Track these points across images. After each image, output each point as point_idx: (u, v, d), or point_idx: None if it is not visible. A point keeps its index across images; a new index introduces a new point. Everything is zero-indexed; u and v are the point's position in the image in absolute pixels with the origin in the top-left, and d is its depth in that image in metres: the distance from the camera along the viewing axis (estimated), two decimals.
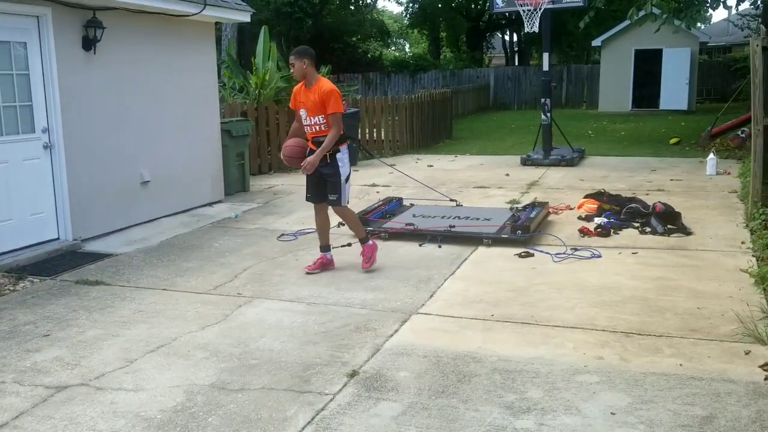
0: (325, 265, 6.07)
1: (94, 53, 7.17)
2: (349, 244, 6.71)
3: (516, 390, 3.70)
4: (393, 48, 48.15)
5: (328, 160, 5.74)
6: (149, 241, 7.27)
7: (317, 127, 5.72)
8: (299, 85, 5.80)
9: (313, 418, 3.47)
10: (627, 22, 22.66)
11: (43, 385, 3.93)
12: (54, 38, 6.71)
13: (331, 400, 3.67)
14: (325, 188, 5.85)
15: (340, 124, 5.70)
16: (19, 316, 5.08)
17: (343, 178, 5.81)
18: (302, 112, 5.75)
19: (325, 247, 6.11)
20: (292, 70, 5.71)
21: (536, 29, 11.63)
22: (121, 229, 7.68)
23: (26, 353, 4.38)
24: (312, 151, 5.75)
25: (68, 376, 4.04)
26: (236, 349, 4.37)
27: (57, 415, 3.58)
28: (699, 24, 27.72)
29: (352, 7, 35.48)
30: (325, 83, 5.68)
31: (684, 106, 22.11)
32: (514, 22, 34.21)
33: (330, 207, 5.97)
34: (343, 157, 5.81)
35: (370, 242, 6.09)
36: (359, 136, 13.52)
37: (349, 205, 6.04)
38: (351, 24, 32.73)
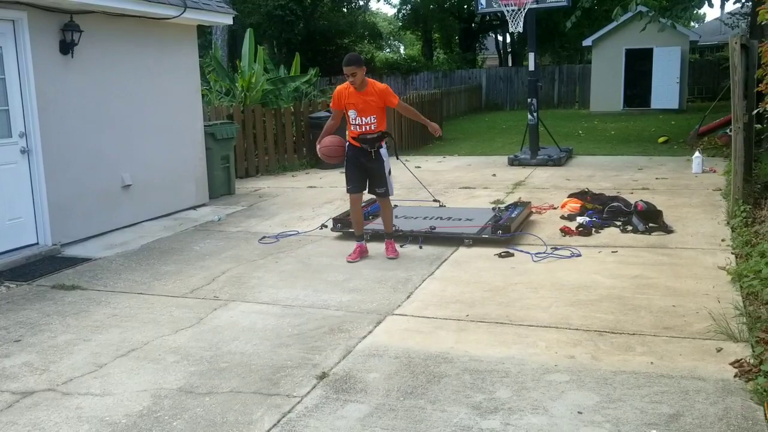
0: (363, 253, 6.47)
1: (72, 57, 7.15)
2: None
3: (485, 390, 3.68)
4: (387, 50, 48.12)
5: (374, 157, 6.18)
6: (130, 245, 7.23)
7: (368, 127, 6.11)
8: (344, 86, 6.13)
9: (278, 421, 3.45)
10: (617, 23, 22.76)
11: (9, 390, 3.90)
12: (30, 42, 6.69)
13: (298, 402, 3.64)
14: (368, 180, 6.30)
15: (406, 106, 6.49)
16: None
17: (386, 171, 6.24)
18: (351, 113, 6.11)
19: (360, 237, 6.56)
20: (351, 79, 5.95)
21: (520, 29, 11.63)
22: (102, 234, 7.65)
23: None
24: (351, 146, 6.25)
25: (36, 381, 4.01)
26: (207, 353, 4.34)
27: (21, 420, 3.55)
28: (692, 23, 27.81)
29: (345, 10, 35.49)
30: (377, 83, 6.14)
31: (675, 105, 22.12)
32: (506, 23, 34.28)
33: (378, 198, 6.45)
34: (385, 152, 6.25)
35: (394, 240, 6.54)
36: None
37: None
38: (343, 26, 32.71)
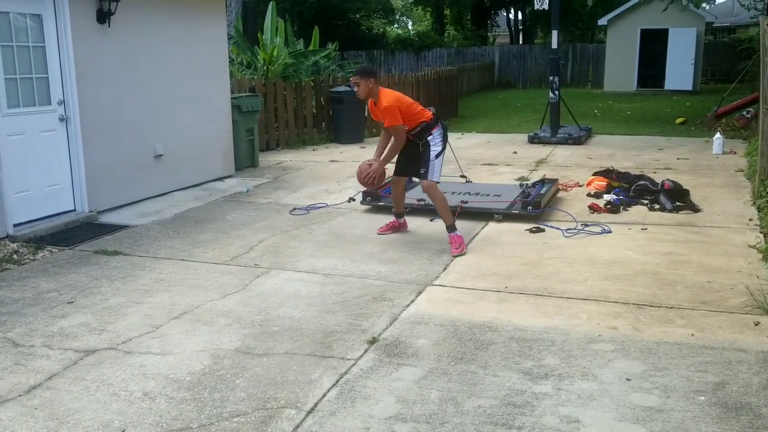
0: (396, 228, 6.50)
1: (108, 26, 7.21)
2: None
3: (533, 357, 3.81)
4: (396, 26, 47.83)
5: (421, 149, 6.01)
6: (164, 214, 7.36)
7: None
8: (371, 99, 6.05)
9: (337, 381, 3.59)
10: (634, 1, 22.64)
11: (72, 348, 4.04)
12: (69, 11, 6.75)
13: (353, 364, 3.78)
14: (413, 163, 6.10)
15: (400, 135, 5.93)
16: (41, 283, 5.19)
17: (433, 155, 5.97)
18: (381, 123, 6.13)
19: (399, 214, 6.53)
20: (356, 89, 5.93)
21: (546, 6, 11.62)
22: (135, 202, 7.76)
23: (52, 319, 4.49)
24: (408, 140, 6.07)
25: (96, 340, 4.15)
26: (257, 317, 4.48)
27: (88, 376, 3.69)
28: (704, 4, 27.61)
29: None
30: (385, 99, 5.87)
31: (689, 87, 22.07)
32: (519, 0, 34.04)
33: (421, 181, 6.08)
34: (435, 139, 6.00)
35: (458, 232, 5.95)
36: (366, 113, 13.56)
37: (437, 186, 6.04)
38: (355, 1, 32.50)
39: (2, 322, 4.45)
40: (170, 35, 8.19)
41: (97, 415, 3.29)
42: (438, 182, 6.00)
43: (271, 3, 13.68)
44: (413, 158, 6.09)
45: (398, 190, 6.43)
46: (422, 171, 5.99)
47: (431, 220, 6.83)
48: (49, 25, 6.66)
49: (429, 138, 6.00)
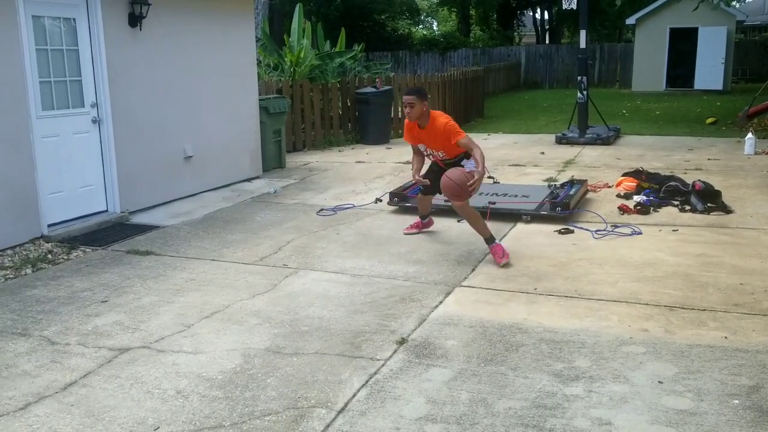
0: (421, 227, 6.54)
1: (140, 29, 7.32)
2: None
3: (563, 359, 3.79)
4: (421, 26, 47.81)
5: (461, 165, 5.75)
6: (193, 215, 7.44)
7: (439, 156, 5.91)
8: (412, 123, 5.80)
9: (367, 381, 3.60)
10: (663, 0, 22.37)
11: (107, 347, 4.11)
12: (102, 14, 6.87)
13: (383, 365, 3.79)
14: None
15: (474, 143, 5.66)
16: (76, 283, 5.28)
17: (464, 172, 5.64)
18: (422, 147, 5.93)
19: (424, 216, 6.52)
20: (408, 110, 5.63)
21: (574, 6, 11.55)
22: (166, 203, 7.87)
23: (87, 317, 4.57)
24: (445, 161, 5.91)
25: (129, 339, 4.22)
26: (287, 317, 4.51)
27: (122, 374, 3.75)
28: (735, 2, 27.20)
29: None
30: (440, 118, 5.70)
31: (719, 86, 21.76)
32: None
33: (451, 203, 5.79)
34: (469, 163, 5.71)
35: (497, 242, 5.70)
36: (392, 114, 13.59)
37: (466, 202, 5.75)
38: (380, 2, 32.56)
39: (38, 320, 4.54)
40: (199, 38, 8.29)
41: (131, 413, 3.34)
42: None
43: (298, 5, 13.77)
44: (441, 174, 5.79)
45: (426, 201, 6.39)
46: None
47: (458, 221, 6.82)
48: (83, 28, 6.78)
49: (464, 162, 5.76)
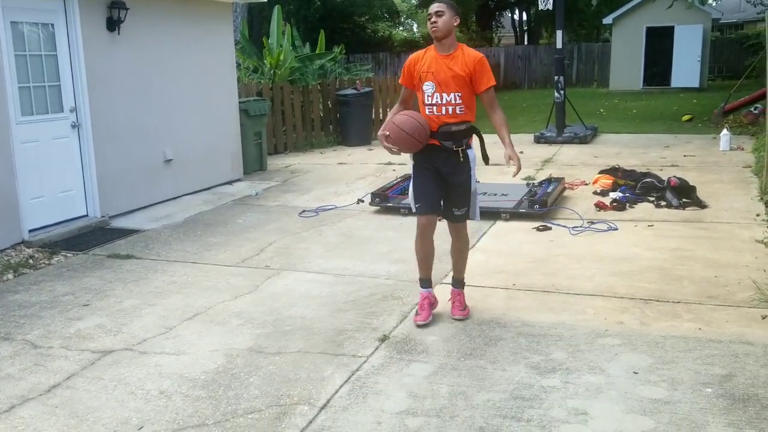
0: (432, 305, 4.42)
1: (119, 34, 7.32)
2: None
3: (541, 352, 3.87)
4: (402, 29, 47.95)
5: (461, 158, 4.19)
6: (174, 218, 7.45)
7: (450, 108, 4.09)
8: (424, 51, 4.24)
9: (349, 378, 3.65)
10: (638, 0, 22.64)
11: (89, 349, 4.13)
12: (80, 19, 6.86)
13: (364, 361, 3.85)
14: (448, 197, 4.29)
15: (495, 104, 4.24)
16: (57, 287, 5.29)
17: (473, 179, 4.29)
18: (428, 87, 4.13)
19: (426, 282, 4.42)
20: (435, 21, 4.08)
21: (550, 6, 11.67)
22: (146, 207, 7.86)
23: (69, 321, 4.58)
24: (432, 145, 4.16)
25: (112, 341, 4.24)
26: (269, 317, 4.55)
27: (106, 376, 3.77)
28: (711, 0, 27.55)
29: None
30: (472, 50, 4.19)
31: (696, 84, 22.05)
32: (523, 0, 34.06)
33: (455, 224, 4.39)
34: (474, 155, 4.29)
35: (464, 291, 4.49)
36: (373, 115, 13.63)
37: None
38: (360, 5, 32.62)
39: (21, 324, 4.55)
40: (179, 41, 8.30)
41: (115, 413, 3.37)
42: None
43: (276, 7, 13.79)
44: (448, 183, 4.24)
45: (427, 239, 4.34)
46: (463, 212, 4.32)
47: (439, 220, 6.86)
48: (61, 33, 6.77)
49: (469, 152, 4.24)
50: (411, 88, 4.31)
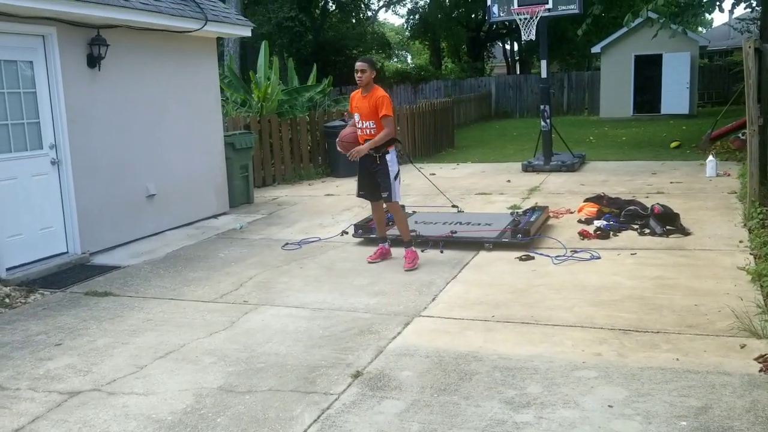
0: (384, 255, 6.67)
1: (99, 70, 7.34)
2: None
3: (516, 386, 3.80)
4: (395, 59, 48.43)
5: (378, 162, 6.32)
6: (156, 253, 7.39)
7: (368, 131, 6.32)
8: (357, 91, 6.41)
9: (318, 417, 3.57)
10: (626, 29, 22.88)
11: (57, 391, 4.05)
12: (60, 57, 6.88)
13: (335, 399, 3.77)
14: (376, 187, 6.42)
15: (392, 126, 6.27)
16: (31, 326, 5.21)
17: (392, 176, 6.33)
18: (356, 116, 6.38)
19: (383, 239, 6.78)
20: (359, 76, 6.20)
21: (533, 37, 11.77)
22: (128, 243, 7.81)
23: (39, 361, 4.50)
24: (370, 145, 6.31)
25: (81, 382, 4.16)
26: (243, 354, 4.48)
27: (71, 418, 3.69)
28: (700, 28, 27.88)
29: (354, 20, 35.77)
30: (379, 91, 6.27)
31: (685, 110, 22.19)
32: (514, 31, 34.42)
33: (384, 203, 6.54)
34: (392, 158, 6.36)
35: (413, 248, 6.46)
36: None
37: (399, 202, 6.52)
38: (352, 38, 32.98)
39: None
40: (161, 76, 8.33)
41: None
42: (400, 202, 6.51)
43: (264, 42, 13.91)
44: (371, 177, 6.42)
45: (378, 211, 6.69)
46: (386, 195, 6.37)
47: (422, 251, 6.84)
48: (40, 71, 6.78)
49: (387, 156, 6.31)
50: (352, 112, 6.52)
